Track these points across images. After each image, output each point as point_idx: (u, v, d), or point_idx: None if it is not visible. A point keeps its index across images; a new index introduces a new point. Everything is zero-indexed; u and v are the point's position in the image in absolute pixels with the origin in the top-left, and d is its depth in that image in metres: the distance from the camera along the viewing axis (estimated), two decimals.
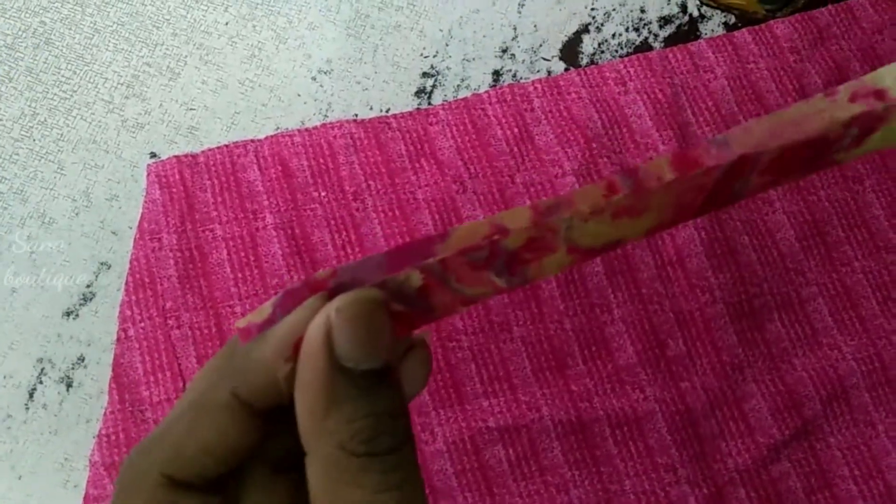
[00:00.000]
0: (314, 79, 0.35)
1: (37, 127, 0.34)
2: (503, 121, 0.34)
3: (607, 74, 0.34)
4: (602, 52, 0.36)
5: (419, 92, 0.35)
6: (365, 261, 0.17)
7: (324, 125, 0.33)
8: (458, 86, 0.35)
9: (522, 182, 0.33)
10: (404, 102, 0.35)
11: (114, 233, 0.33)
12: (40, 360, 0.32)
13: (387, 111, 0.35)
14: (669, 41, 0.36)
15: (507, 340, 0.31)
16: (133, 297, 0.31)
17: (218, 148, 0.33)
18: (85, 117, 0.34)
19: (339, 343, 0.16)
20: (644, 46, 0.36)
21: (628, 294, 0.32)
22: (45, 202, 0.33)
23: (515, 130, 0.33)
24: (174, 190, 0.32)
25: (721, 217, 0.33)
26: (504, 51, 0.36)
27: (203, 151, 0.33)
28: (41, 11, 0.35)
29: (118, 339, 0.31)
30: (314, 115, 0.35)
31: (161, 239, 0.32)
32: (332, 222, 0.32)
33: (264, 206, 0.32)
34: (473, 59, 0.36)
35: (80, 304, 0.32)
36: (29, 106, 0.34)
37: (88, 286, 0.32)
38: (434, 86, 0.35)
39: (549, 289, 0.32)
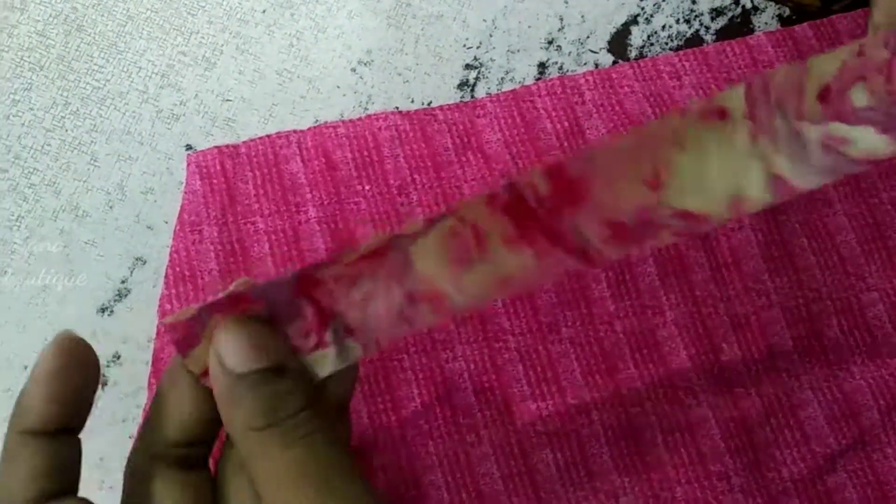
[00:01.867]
0: (354, 70, 0.34)
1: (69, 117, 0.33)
2: (553, 114, 0.32)
3: (661, 68, 0.33)
4: (651, 44, 0.35)
5: (462, 84, 0.34)
6: (275, 282, 0.19)
7: (368, 116, 0.32)
8: (503, 78, 0.34)
9: None
10: (446, 95, 0.34)
11: (149, 227, 0.32)
12: None
13: (429, 104, 0.34)
14: (721, 34, 0.35)
15: (556, 342, 0.30)
16: (173, 291, 0.30)
17: (259, 139, 0.32)
18: (119, 107, 0.33)
19: (225, 358, 0.19)
20: (695, 39, 0.35)
21: (681, 296, 0.31)
22: (79, 195, 0.32)
23: (566, 124, 0.32)
24: (215, 181, 0.31)
25: (779, 218, 0.32)
26: (550, 42, 0.35)
27: (245, 142, 0.32)
28: None
29: (157, 334, 0.30)
30: (354, 107, 0.34)
31: (202, 231, 0.31)
32: (377, 217, 0.31)
33: (307, 200, 0.31)
34: (518, 50, 0.34)
35: (115, 301, 0.31)
36: (61, 95, 0.33)
37: (123, 282, 0.32)
38: (477, 78, 0.34)
39: (600, 289, 0.31)
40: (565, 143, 0.32)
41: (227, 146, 0.32)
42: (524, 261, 0.22)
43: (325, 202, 0.31)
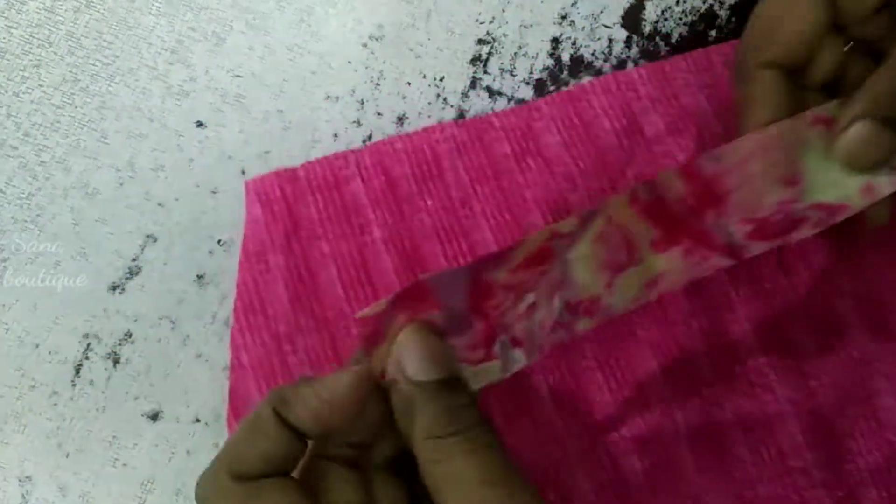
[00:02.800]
0: (365, 45, 0.34)
1: (78, 94, 0.33)
2: (609, 112, 0.32)
3: (714, 58, 0.33)
4: (666, 19, 0.34)
5: (474, 59, 0.34)
6: (452, 273, 0.21)
7: (425, 130, 0.32)
8: (515, 53, 0.34)
9: (634, 175, 0.31)
10: (459, 70, 0.33)
11: (160, 204, 0.32)
12: (86, 336, 0.31)
13: (441, 79, 0.33)
14: (736, 9, 0.34)
15: (633, 345, 0.30)
16: (244, 323, 0.29)
17: (318, 161, 0.31)
18: (128, 84, 0.33)
19: (405, 365, 0.21)
20: (709, 14, 0.34)
21: (751, 291, 0.30)
22: (89, 172, 0.32)
23: (624, 121, 0.32)
24: (276, 207, 0.31)
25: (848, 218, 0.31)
26: (563, 17, 0.34)
27: (302, 165, 0.31)
28: None
29: (231, 368, 0.29)
30: (365, 83, 0.33)
31: (268, 260, 0.30)
32: (442, 232, 0.31)
33: (371, 220, 0.31)
34: (531, 25, 0.34)
35: (126, 279, 0.31)
36: (70, 72, 0.33)
37: (134, 259, 0.31)
38: (490, 53, 0.34)
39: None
40: (625, 141, 0.32)
41: (284, 171, 0.31)
42: (672, 261, 0.24)
43: (389, 221, 0.31)
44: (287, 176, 0.31)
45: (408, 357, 0.21)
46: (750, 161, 0.24)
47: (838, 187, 0.24)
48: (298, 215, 0.31)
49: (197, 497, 0.21)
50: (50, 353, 0.30)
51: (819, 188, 0.24)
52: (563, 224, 0.23)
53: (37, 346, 0.31)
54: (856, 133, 0.24)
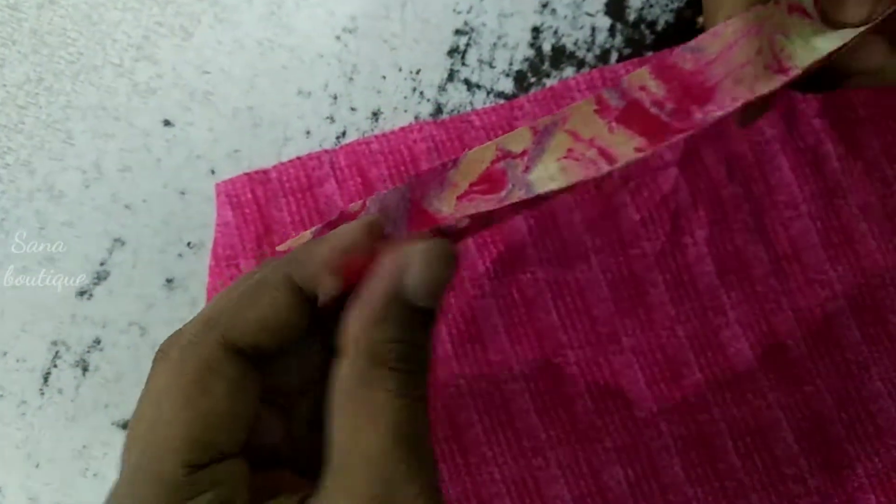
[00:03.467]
0: (338, 38, 0.32)
1: (42, 93, 0.32)
2: None
3: None
4: (651, 6, 0.33)
5: (452, 51, 0.32)
6: (390, 192, 0.20)
7: (402, 129, 0.30)
8: (495, 44, 0.32)
9: (621, 176, 0.30)
10: (435, 62, 0.32)
11: (127, 206, 0.31)
12: (54, 343, 0.30)
13: (417, 72, 0.32)
14: None
15: (617, 352, 0.29)
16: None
17: (290, 162, 0.30)
18: (93, 82, 0.32)
19: (411, 278, 0.18)
20: (696, 0, 0.33)
21: (742, 293, 0.29)
22: (54, 174, 0.31)
23: None
24: (247, 210, 0.29)
25: (836, 203, 0.30)
26: (544, 5, 0.33)
27: (275, 167, 0.30)
28: None
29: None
30: (338, 76, 0.32)
31: (239, 265, 0.29)
32: None
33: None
34: (511, 14, 0.33)
35: (94, 284, 0.30)
36: (34, 71, 0.32)
37: (102, 264, 0.30)
38: (468, 44, 0.32)
39: (658, 293, 0.29)
40: None
41: (256, 172, 0.30)
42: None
43: None
44: (259, 178, 0.30)
45: (416, 272, 0.18)
46: (734, 48, 0.21)
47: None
48: (270, 219, 0.30)
49: (163, 357, 0.19)
50: (17, 360, 0.30)
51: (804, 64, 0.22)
52: (510, 139, 0.20)
53: (4, 353, 0.30)
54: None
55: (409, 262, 0.18)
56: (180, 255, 0.30)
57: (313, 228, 0.20)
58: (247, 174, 0.30)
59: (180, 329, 0.20)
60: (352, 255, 0.19)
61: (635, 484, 0.28)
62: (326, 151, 0.30)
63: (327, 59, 0.32)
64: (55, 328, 0.30)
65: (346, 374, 0.18)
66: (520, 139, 0.21)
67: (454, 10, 0.33)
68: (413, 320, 0.18)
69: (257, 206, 0.30)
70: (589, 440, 0.28)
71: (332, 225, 0.20)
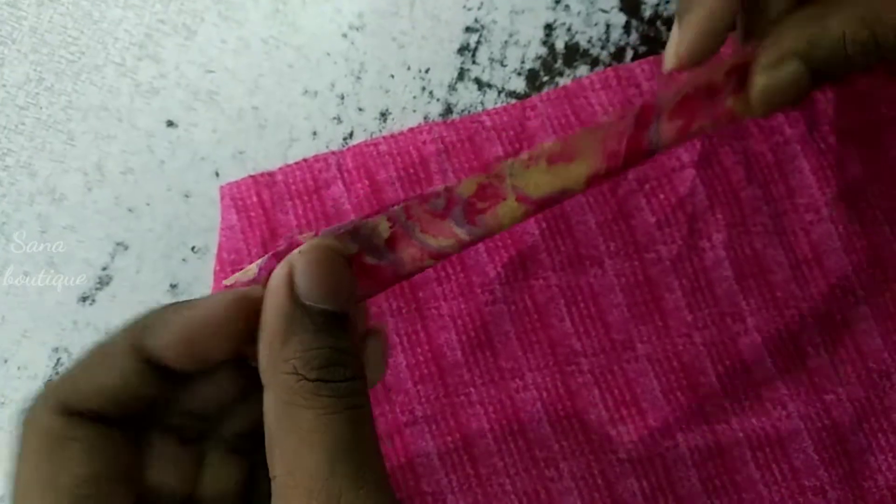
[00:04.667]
0: (345, 35, 0.32)
1: (43, 93, 0.31)
2: (609, 109, 0.30)
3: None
4: (667, 1, 0.32)
5: (462, 49, 0.31)
6: (338, 225, 0.20)
7: (411, 130, 0.30)
8: (506, 41, 0.31)
9: (636, 178, 0.29)
10: (445, 61, 0.31)
11: (130, 210, 0.30)
12: (56, 350, 0.29)
13: (426, 71, 0.31)
14: None
15: (632, 360, 0.28)
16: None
17: (297, 164, 0.29)
18: (95, 82, 0.31)
19: (299, 281, 0.17)
20: None
21: (762, 299, 0.28)
22: (55, 177, 0.30)
23: None
24: (252, 214, 0.29)
25: (859, 206, 0.29)
26: (557, 1, 0.32)
27: (280, 169, 0.29)
28: None
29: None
30: (345, 76, 0.31)
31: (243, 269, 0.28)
32: None
33: None
34: (522, 10, 0.32)
35: (97, 289, 0.30)
36: (34, 70, 0.31)
37: (104, 269, 0.30)
38: (479, 42, 0.32)
39: (674, 299, 0.28)
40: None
41: (261, 175, 0.29)
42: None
43: None
44: (264, 181, 0.29)
45: (303, 273, 0.18)
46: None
47: None
48: (276, 222, 0.29)
49: (22, 415, 0.18)
50: (19, 368, 0.29)
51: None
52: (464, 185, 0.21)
53: (5, 360, 0.29)
54: (786, 74, 0.22)
55: (294, 268, 0.18)
56: (184, 259, 0.30)
57: (259, 261, 0.19)
58: (252, 177, 0.29)
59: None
60: (208, 330, 0.18)
61: (650, 496, 0.27)
62: (333, 153, 0.29)
63: (334, 58, 0.31)
64: (57, 334, 0.29)
65: (270, 403, 0.17)
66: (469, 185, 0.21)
67: (464, 7, 0.32)
68: (322, 325, 0.17)
69: (263, 209, 0.29)
70: (603, 451, 0.27)
71: (279, 256, 0.19)
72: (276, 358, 0.17)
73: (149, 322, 0.18)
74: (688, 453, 0.27)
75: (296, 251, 0.18)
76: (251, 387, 0.19)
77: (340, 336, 0.18)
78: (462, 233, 0.22)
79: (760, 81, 0.22)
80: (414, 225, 0.22)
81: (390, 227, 0.21)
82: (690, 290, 0.29)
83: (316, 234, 0.20)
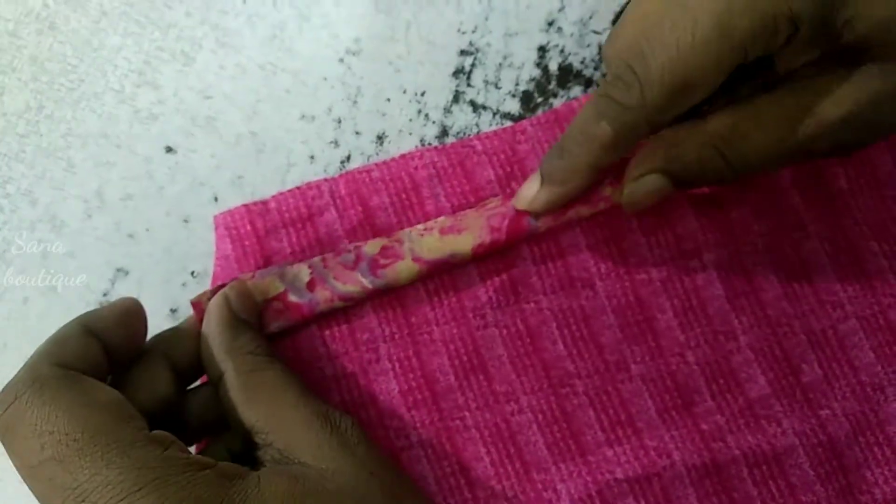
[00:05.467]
0: (342, 60, 0.32)
1: (43, 121, 0.31)
2: None
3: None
4: None
5: (457, 72, 0.32)
6: (270, 269, 0.28)
7: (403, 156, 0.30)
8: (500, 64, 0.32)
9: None
10: (441, 84, 0.32)
11: (130, 236, 0.30)
12: None
13: (422, 94, 0.32)
14: None
15: (626, 380, 0.28)
16: None
17: (290, 191, 0.29)
18: (94, 109, 0.31)
19: (234, 305, 0.26)
20: None
21: (754, 317, 0.29)
22: (56, 204, 0.31)
23: None
24: (247, 242, 0.29)
25: (844, 223, 0.29)
26: (550, 24, 0.32)
27: (274, 197, 0.29)
28: None
29: None
30: (342, 100, 0.32)
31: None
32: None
33: None
34: (516, 33, 0.32)
35: None
36: (34, 98, 0.32)
37: (105, 294, 0.30)
38: (473, 65, 0.32)
39: (666, 319, 0.29)
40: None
41: (255, 203, 0.29)
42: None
43: None
44: (257, 209, 0.29)
45: (235, 300, 0.26)
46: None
47: None
48: (270, 250, 0.29)
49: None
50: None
51: None
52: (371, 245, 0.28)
53: None
54: (648, 186, 0.25)
55: (228, 297, 0.26)
56: (184, 284, 0.30)
57: (213, 288, 0.27)
58: (245, 206, 0.29)
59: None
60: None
61: None
62: (326, 180, 0.30)
63: (331, 83, 0.32)
64: None
65: (232, 379, 0.24)
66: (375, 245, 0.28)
67: (459, 31, 0.32)
68: (253, 327, 0.26)
69: (256, 237, 0.29)
70: (601, 472, 0.28)
71: (216, 289, 0.26)
72: (231, 347, 0.25)
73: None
74: (685, 472, 0.28)
75: (226, 288, 0.26)
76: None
77: (259, 334, 0.26)
78: (367, 282, 0.27)
79: (626, 190, 0.26)
80: (328, 273, 0.27)
81: (310, 274, 0.27)
82: (682, 309, 0.29)
83: (254, 277, 0.27)
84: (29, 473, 0.20)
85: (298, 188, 0.29)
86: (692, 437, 0.28)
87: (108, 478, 0.19)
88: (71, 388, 0.21)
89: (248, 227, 0.29)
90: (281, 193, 0.29)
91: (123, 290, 0.30)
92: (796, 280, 0.29)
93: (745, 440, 0.28)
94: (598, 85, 0.32)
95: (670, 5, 0.23)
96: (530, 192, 0.27)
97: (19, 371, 0.21)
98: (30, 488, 0.20)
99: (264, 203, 0.29)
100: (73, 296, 0.30)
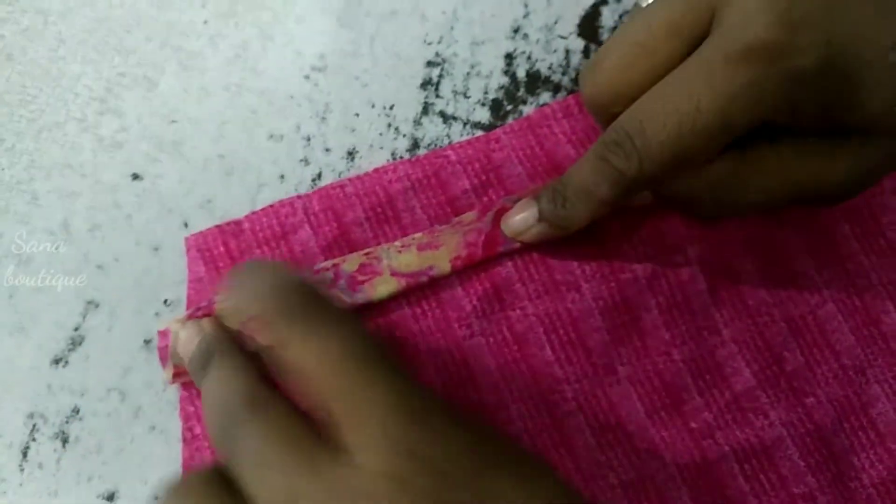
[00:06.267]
0: (307, 77, 0.31)
1: (4, 154, 0.31)
2: (573, 137, 0.30)
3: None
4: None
5: (425, 84, 0.32)
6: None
7: (376, 170, 0.29)
8: (468, 73, 0.32)
9: None
10: (409, 97, 0.31)
11: (99, 267, 0.30)
12: (31, 416, 0.29)
13: (391, 108, 0.31)
14: None
15: (614, 383, 0.28)
16: (193, 390, 0.27)
17: (263, 210, 0.29)
18: (56, 139, 0.31)
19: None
20: None
21: (734, 310, 0.29)
22: (21, 238, 0.30)
23: (588, 147, 0.30)
24: (220, 264, 0.28)
25: (817, 208, 0.30)
26: (516, 31, 0.32)
27: (247, 216, 0.29)
28: None
29: (184, 440, 0.27)
30: (310, 117, 0.31)
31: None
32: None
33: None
34: (482, 42, 0.32)
35: (69, 350, 0.29)
36: None
37: (76, 329, 0.29)
38: (441, 75, 0.32)
39: (651, 318, 0.28)
40: None
41: (227, 224, 0.29)
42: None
43: None
44: (230, 229, 0.29)
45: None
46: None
47: None
48: None
49: None
50: None
51: None
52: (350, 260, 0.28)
53: None
54: (522, 220, 0.27)
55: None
56: (157, 314, 0.29)
57: (181, 318, 0.26)
58: (218, 226, 0.29)
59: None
60: None
61: None
62: (299, 197, 0.29)
63: (298, 101, 0.31)
64: (31, 400, 0.29)
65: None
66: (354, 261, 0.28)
67: (424, 42, 0.32)
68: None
69: (230, 258, 0.28)
70: (593, 477, 0.27)
71: (201, 310, 0.26)
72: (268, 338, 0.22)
73: None
74: (677, 472, 0.27)
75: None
76: None
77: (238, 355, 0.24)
78: (346, 298, 0.27)
79: (509, 219, 0.28)
80: None
81: None
82: (667, 307, 0.29)
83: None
84: None
85: (271, 206, 0.29)
86: (682, 437, 0.28)
87: None
88: None
89: (222, 248, 0.28)
90: (254, 213, 0.29)
91: (95, 323, 0.29)
92: (773, 267, 0.29)
93: (733, 435, 0.28)
94: (566, 90, 0.31)
95: (670, 82, 0.24)
96: (523, 223, 0.27)
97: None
98: None
99: (237, 223, 0.29)
100: (43, 333, 0.29)
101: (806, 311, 0.29)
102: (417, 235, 0.28)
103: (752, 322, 0.29)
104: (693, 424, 0.28)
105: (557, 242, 0.29)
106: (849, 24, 0.22)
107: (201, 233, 0.29)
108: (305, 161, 0.31)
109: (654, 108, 0.24)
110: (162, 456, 0.28)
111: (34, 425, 0.28)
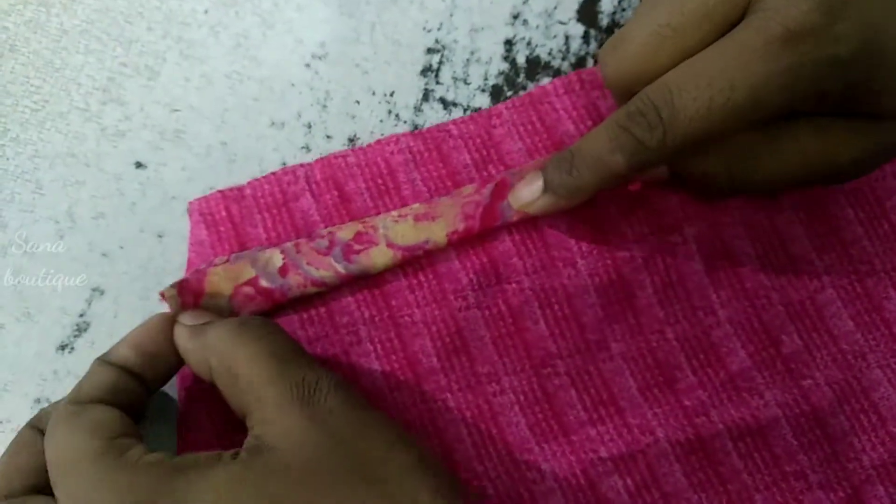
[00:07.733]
0: (308, 65, 0.32)
1: (9, 144, 0.31)
2: (574, 113, 0.30)
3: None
4: (623, 9, 0.32)
5: (425, 70, 0.32)
6: (242, 252, 0.29)
7: (378, 142, 0.30)
8: (468, 59, 0.32)
9: None
10: (409, 84, 0.32)
11: (104, 255, 0.30)
12: (38, 401, 0.29)
13: (391, 94, 0.31)
14: None
15: (607, 359, 0.28)
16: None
17: (265, 177, 0.29)
18: (60, 129, 0.31)
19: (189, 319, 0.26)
20: None
21: (732, 291, 0.29)
22: (26, 227, 0.30)
23: (590, 123, 0.30)
24: (222, 228, 0.29)
25: (819, 191, 0.29)
26: (515, 17, 0.32)
27: (249, 183, 0.29)
28: (2, 16, 0.32)
29: (180, 399, 0.28)
30: (311, 105, 0.31)
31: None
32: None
33: None
34: (482, 28, 0.32)
35: (75, 336, 0.29)
36: None
37: (81, 315, 0.29)
38: (441, 62, 0.32)
39: (646, 296, 0.29)
40: None
41: (230, 189, 0.29)
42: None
43: None
44: (233, 195, 0.29)
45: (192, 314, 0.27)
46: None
47: None
48: (245, 236, 0.29)
49: None
50: (1, 422, 0.29)
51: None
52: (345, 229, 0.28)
53: None
54: (529, 192, 0.27)
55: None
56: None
57: (175, 284, 0.27)
58: (220, 191, 0.29)
59: None
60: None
61: (636, 493, 0.27)
62: (302, 165, 0.30)
63: (299, 88, 0.31)
64: (38, 386, 0.29)
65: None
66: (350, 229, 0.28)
67: (424, 29, 0.32)
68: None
69: (232, 223, 0.29)
70: (584, 451, 0.27)
71: (187, 283, 0.27)
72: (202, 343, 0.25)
73: (44, 415, 0.26)
74: (669, 449, 0.27)
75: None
76: None
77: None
78: (340, 267, 0.27)
79: (515, 191, 0.29)
80: (301, 258, 0.27)
81: (283, 259, 0.27)
82: (662, 286, 0.29)
83: (228, 261, 0.27)
84: None
85: (273, 174, 0.29)
86: (675, 414, 0.28)
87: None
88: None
89: (224, 213, 0.29)
90: (256, 179, 0.29)
91: (100, 310, 0.29)
92: (772, 252, 0.29)
93: (728, 414, 0.28)
94: (567, 73, 0.32)
95: (704, 59, 0.23)
96: (530, 195, 0.27)
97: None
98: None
99: (240, 189, 0.29)
100: (49, 320, 0.29)
101: (805, 296, 0.29)
102: (415, 206, 0.28)
103: (750, 304, 0.29)
104: (686, 402, 0.28)
105: (556, 218, 0.29)
106: (880, 11, 0.22)
107: (204, 197, 0.29)
108: (307, 148, 0.31)
109: (685, 81, 0.23)
110: (168, 439, 0.28)
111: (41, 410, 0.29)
